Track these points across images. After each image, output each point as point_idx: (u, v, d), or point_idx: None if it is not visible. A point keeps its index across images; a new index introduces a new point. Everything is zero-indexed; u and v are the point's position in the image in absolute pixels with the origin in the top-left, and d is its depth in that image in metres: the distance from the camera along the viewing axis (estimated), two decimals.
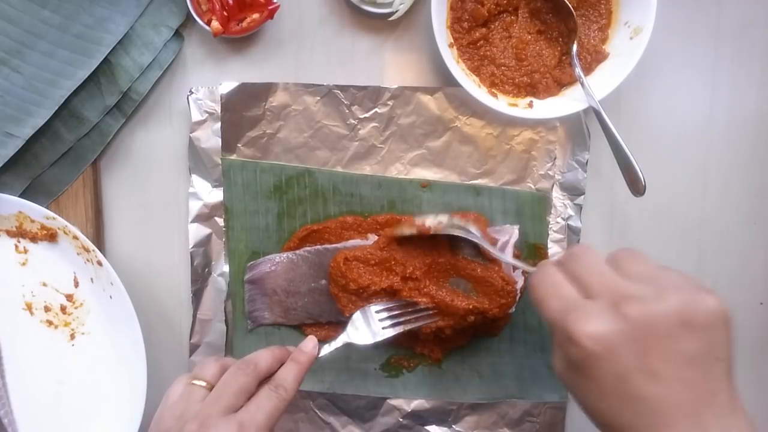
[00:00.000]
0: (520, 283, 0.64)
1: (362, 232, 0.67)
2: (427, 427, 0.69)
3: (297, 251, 0.66)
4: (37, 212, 0.64)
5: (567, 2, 0.63)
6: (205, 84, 0.66)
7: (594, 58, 0.65)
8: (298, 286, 0.66)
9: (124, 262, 0.69)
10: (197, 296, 0.67)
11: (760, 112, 0.69)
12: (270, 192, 0.67)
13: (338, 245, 0.65)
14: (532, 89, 0.66)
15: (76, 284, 0.67)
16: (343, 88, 0.66)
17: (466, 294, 0.62)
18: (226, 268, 0.67)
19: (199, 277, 0.67)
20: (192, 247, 0.67)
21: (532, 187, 0.68)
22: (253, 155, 0.67)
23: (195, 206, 0.67)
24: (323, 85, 0.66)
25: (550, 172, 0.68)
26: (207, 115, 0.66)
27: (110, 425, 0.66)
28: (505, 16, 0.66)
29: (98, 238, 0.68)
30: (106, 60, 0.64)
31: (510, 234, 0.64)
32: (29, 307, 0.67)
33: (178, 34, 0.67)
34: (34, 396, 0.67)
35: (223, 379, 0.50)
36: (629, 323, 0.40)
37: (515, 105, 0.65)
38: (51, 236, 0.65)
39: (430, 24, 0.62)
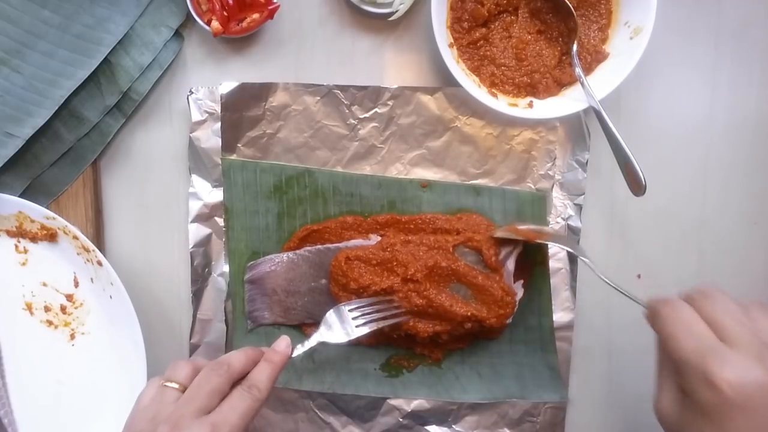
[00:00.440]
0: (520, 294, 0.64)
1: (362, 232, 0.67)
2: (427, 427, 0.69)
3: (297, 251, 0.66)
4: (37, 212, 0.64)
5: (567, 2, 0.63)
6: (205, 84, 0.66)
7: (594, 58, 0.65)
8: (298, 285, 0.66)
9: (124, 262, 0.69)
10: (197, 296, 0.67)
11: (760, 112, 0.69)
12: (270, 192, 0.67)
13: (339, 245, 0.65)
14: (532, 89, 0.66)
15: (76, 284, 0.67)
16: (343, 88, 0.66)
17: (465, 301, 0.62)
18: (226, 268, 0.67)
19: (199, 277, 0.67)
20: (192, 247, 0.67)
21: (532, 187, 0.68)
22: (253, 155, 0.67)
23: (195, 206, 0.67)
24: (323, 85, 0.66)
25: (550, 172, 0.68)
26: (207, 115, 0.66)
27: (110, 425, 0.66)
28: (505, 16, 0.66)
29: (98, 238, 0.68)
30: (106, 60, 0.64)
31: (514, 245, 0.64)
32: (29, 307, 0.67)
33: (178, 34, 0.67)
34: (34, 396, 0.67)
35: (196, 381, 0.50)
36: None
37: (515, 105, 0.65)
38: (51, 236, 0.65)
39: (430, 24, 0.62)
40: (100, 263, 0.63)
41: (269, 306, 0.67)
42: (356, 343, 0.65)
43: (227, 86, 0.65)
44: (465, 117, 0.67)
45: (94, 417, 0.67)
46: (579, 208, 0.68)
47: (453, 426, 0.69)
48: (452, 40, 0.64)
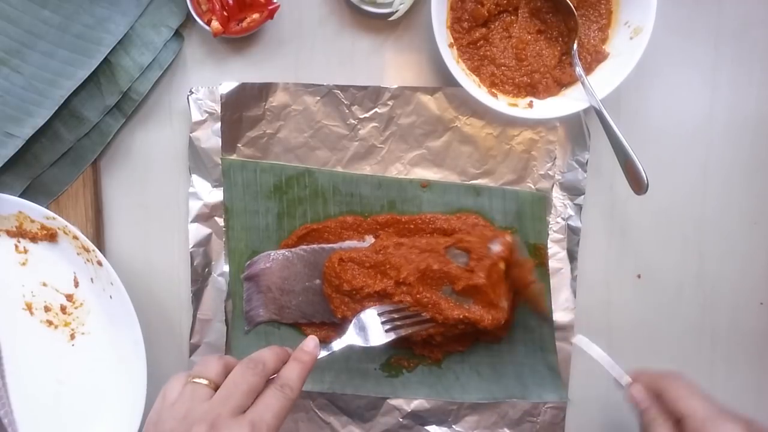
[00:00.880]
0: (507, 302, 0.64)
1: (362, 232, 0.67)
2: (427, 427, 0.69)
3: (293, 249, 0.66)
4: (37, 212, 0.64)
5: (568, 1, 0.63)
6: (205, 84, 0.66)
7: (594, 58, 0.65)
8: (292, 284, 0.66)
9: (124, 262, 0.69)
10: (197, 296, 0.67)
11: (760, 112, 0.69)
12: (270, 192, 0.67)
13: (334, 245, 0.66)
14: (532, 89, 0.66)
15: (76, 284, 0.67)
16: (343, 88, 0.66)
17: (458, 303, 0.62)
18: (226, 268, 0.67)
19: (199, 277, 0.67)
20: (192, 247, 0.67)
21: (532, 187, 0.68)
22: (253, 155, 0.67)
23: (195, 206, 0.67)
24: (323, 85, 0.66)
25: (550, 172, 0.68)
26: (207, 115, 0.66)
27: (110, 425, 0.66)
28: (505, 16, 0.66)
29: (98, 238, 0.68)
30: (106, 60, 0.64)
31: (504, 246, 0.64)
32: (29, 307, 0.67)
33: (178, 34, 0.67)
34: (34, 396, 0.67)
35: (231, 379, 0.48)
36: None
37: (515, 105, 0.65)
38: (51, 236, 0.65)
39: (430, 24, 0.62)
40: (100, 263, 0.63)
41: (264, 303, 0.67)
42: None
43: (227, 86, 0.65)
44: (465, 117, 0.67)
45: (94, 417, 0.67)
46: (579, 208, 0.68)
47: (453, 426, 0.69)
48: (452, 40, 0.64)
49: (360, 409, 0.68)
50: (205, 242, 0.67)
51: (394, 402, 0.68)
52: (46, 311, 0.67)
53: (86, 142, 0.67)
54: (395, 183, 0.67)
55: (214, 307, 0.68)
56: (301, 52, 0.68)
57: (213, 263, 0.68)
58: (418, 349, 0.67)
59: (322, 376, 0.67)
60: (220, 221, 0.67)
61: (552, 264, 0.67)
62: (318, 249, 0.66)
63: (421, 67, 0.68)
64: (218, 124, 0.66)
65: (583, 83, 0.63)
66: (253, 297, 0.67)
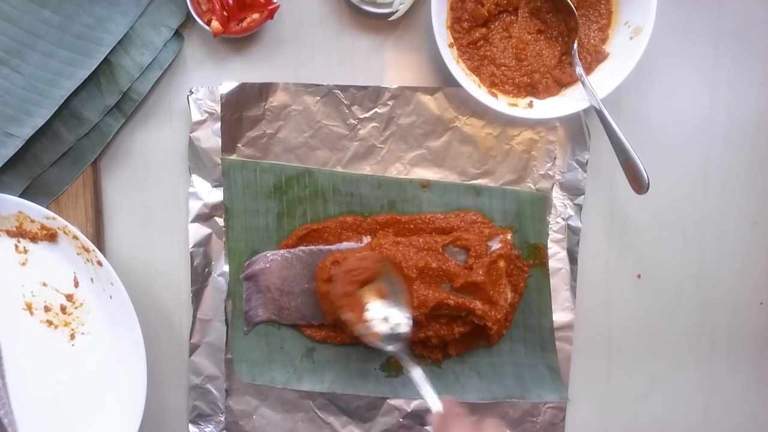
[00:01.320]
0: (510, 296, 0.64)
1: (362, 232, 0.67)
2: (427, 427, 0.69)
3: (292, 249, 0.66)
4: (37, 212, 0.64)
5: (569, 1, 0.63)
6: (205, 84, 0.66)
7: (594, 58, 0.65)
8: (291, 285, 0.66)
9: (124, 262, 0.69)
10: (197, 296, 0.67)
11: (760, 112, 0.69)
12: (270, 192, 0.67)
13: (332, 247, 0.66)
14: (532, 89, 0.66)
15: (76, 284, 0.67)
16: (343, 88, 0.66)
17: (456, 295, 0.62)
18: (226, 268, 0.67)
19: (199, 277, 0.67)
20: (192, 247, 0.67)
21: (532, 187, 0.68)
22: (253, 155, 0.67)
23: (195, 206, 0.67)
24: (323, 85, 0.66)
25: (550, 172, 0.68)
26: (207, 115, 0.66)
27: (110, 425, 0.66)
28: (505, 16, 0.66)
29: (98, 238, 0.68)
30: (106, 60, 0.64)
31: (503, 244, 0.64)
32: (29, 307, 0.67)
33: (178, 34, 0.67)
34: (34, 396, 0.67)
35: None
36: None
37: (515, 105, 0.65)
38: (51, 236, 0.65)
39: (430, 24, 0.62)
40: (100, 263, 0.63)
41: (263, 303, 0.67)
42: (357, 343, 0.65)
43: (227, 86, 0.65)
44: (465, 117, 0.67)
45: (94, 417, 0.67)
46: (579, 208, 0.68)
47: None
48: (452, 40, 0.64)
49: (360, 409, 0.68)
50: (205, 242, 0.67)
51: (394, 402, 0.68)
52: (46, 311, 0.67)
53: (86, 142, 0.67)
54: (395, 183, 0.67)
55: (214, 307, 0.68)
56: (301, 52, 0.68)
57: (213, 263, 0.68)
58: (418, 349, 0.67)
59: (322, 376, 0.67)
60: (220, 221, 0.67)
61: (552, 264, 0.67)
62: (316, 250, 0.66)
63: (421, 67, 0.68)
64: (218, 124, 0.66)
65: (583, 83, 0.63)
66: (253, 297, 0.67)
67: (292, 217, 0.68)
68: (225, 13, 0.64)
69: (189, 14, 0.65)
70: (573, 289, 0.68)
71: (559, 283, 0.68)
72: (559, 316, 0.68)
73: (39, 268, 0.67)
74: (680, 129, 0.70)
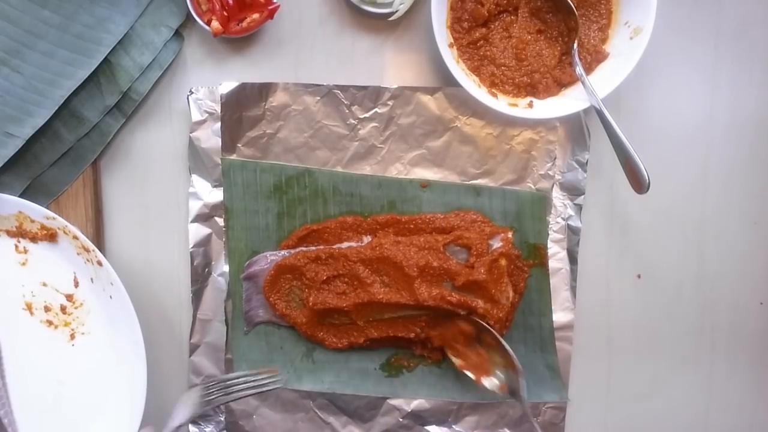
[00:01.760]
0: (511, 294, 0.64)
1: (362, 232, 0.67)
2: (427, 427, 0.69)
3: (292, 250, 0.66)
4: (37, 212, 0.64)
5: (569, 0, 0.63)
6: (205, 84, 0.66)
7: (594, 58, 0.65)
8: None
9: (124, 262, 0.69)
10: (197, 296, 0.67)
11: (760, 112, 0.69)
12: (270, 192, 0.67)
13: (333, 247, 0.66)
14: (532, 89, 0.66)
15: (76, 284, 0.67)
16: (343, 88, 0.66)
17: (457, 293, 0.62)
18: (226, 268, 0.67)
19: (199, 277, 0.67)
20: (192, 247, 0.67)
21: (532, 187, 0.68)
22: (253, 155, 0.67)
23: (195, 206, 0.67)
24: (323, 85, 0.66)
25: (550, 172, 0.68)
26: (207, 115, 0.66)
27: (110, 425, 0.66)
28: (505, 16, 0.66)
29: (98, 238, 0.68)
30: (106, 60, 0.64)
31: (504, 242, 0.64)
32: (29, 307, 0.67)
33: (178, 34, 0.67)
34: (34, 396, 0.67)
35: None
36: None
37: (515, 105, 0.65)
38: (51, 236, 0.65)
39: (430, 24, 0.62)
40: (100, 263, 0.63)
41: (264, 304, 0.67)
42: (356, 346, 0.66)
43: (227, 86, 0.65)
44: (465, 117, 0.67)
45: (94, 417, 0.67)
46: (579, 208, 0.68)
47: (453, 426, 0.69)
48: (452, 40, 0.64)
49: (360, 409, 0.68)
50: (205, 242, 0.67)
51: (394, 402, 0.68)
52: (46, 311, 0.67)
53: (86, 142, 0.67)
54: (395, 183, 0.67)
55: (214, 307, 0.68)
56: (301, 52, 0.68)
57: (213, 263, 0.68)
58: (418, 349, 0.67)
59: (323, 376, 0.67)
60: (220, 221, 0.67)
61: (552, 264, 0.67)
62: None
63: (421, 67, 0.68)
64: (218, 124, 0.66)
65: (583, 83, 0.63)
66: (253, 297, 0.67)
67: (292, 217, 0.68)
68: (225, 13, 0.64)
69: (189, 14, 0.65)
70: (573, 289, 0.68)
71: (559, 283, 0.68)
72: (559, 316, 0.68)
73: (39, 268, 0.67)
74: (680, 129, 0.70)
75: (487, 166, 0.68)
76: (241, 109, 0.65)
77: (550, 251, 0.67)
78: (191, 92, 0.66)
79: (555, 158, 0.67)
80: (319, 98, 0.66)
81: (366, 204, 0.67)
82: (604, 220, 0.70)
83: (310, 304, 0.63)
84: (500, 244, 0.63)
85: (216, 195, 0.67)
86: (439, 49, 0.62)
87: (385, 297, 0.62)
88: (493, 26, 0.66)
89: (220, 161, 0.66)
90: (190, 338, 0.68)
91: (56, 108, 0.64)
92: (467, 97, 0.64)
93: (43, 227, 0.65)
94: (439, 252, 0.62)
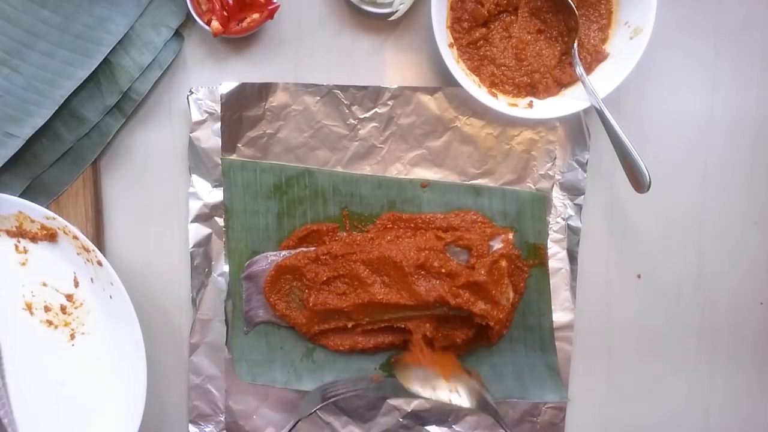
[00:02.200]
0: (511, 295, 0.64)
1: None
2: (427, 427, 0.69)
3: (293, 251, 0.66)
4: (37, 212, 0.64)
5: (569, 0, 0.63)
6: (205, 84, 0.66)
7: (594, 58, 0.65)
8: None
9: (124, 262, 0.69)
10: (197, 296, 0.67)
11: (760, 112, 0.69)
12: (270, 192, 0.67)
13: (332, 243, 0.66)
14: (532, 89, 0.66)
15: (76, 284, 0.67)
16: (343, 88, 0.66)
17: (458, 294, 0.62)
18: (226, 268, 0.67)
19: (199, 277, 0.67)
20: (192, 247, 0.67)
21: (532, 187, 0.68)
22: (253, 155, 0.67)
23: (195, 206, 0.67)
24: (323, 85, 0.66)
25: (550, 172, 0.68)
26: (207, 115, 0.66)
27: (110, 425, 0.66)
28: (505, 16, 0.66)
29: (98, 238, 0.68)
30: (106, 60, 0.64)
31: (504, 243, 0.64)
32: (29, 307, 0.67)
33: (178, 34, 0.67)
34: (34, 396, 0.67)
35: None
36: None
37: (515, 105, 0.65)
38: (51, 236, 0.65)
39: (430, 24, 0.62)
40: (100, 263, 0.63)
41: (264, 304, 0.67)
42: (356, 350, 0.66)
43: (227, 86, 0.65)
44: (465, 117, 0.67)
45: (94, 417, 0.67)
46: (579, 208, 0.68)
47: (453, 426, 0.69)
48: (452, 40, 0.64)
49: (360, 409, 0.68)
50: (205, 242, 0.67)
51: (394, 402, 0.68)
52: (46, 311, 0.67)
53: (86, 142, 0.67)
54: (395, 183, 0.67)
55: (214, 307, 0.68)
56: (301, 52, 0.68)
57: (213, 263, 0.68)
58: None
59: (322, 376, 0.67)
60: (220, 221, 0.67)
61: (552, 264, 0.67)
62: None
63: (421, 67, 0.68)
64: (218, 124, 0.66)
65: (583, 83, 0.63)
66: (253, 297, 0.67)
67: (292, 217, 0.68)
68: (225, 13, 0.64)
69: (189, 14, 0.65)
70: (573, 289, 0.68)
71: (559, 283, 0.68)
72: (559, 316, 0.68)
73: (39, 268, 0.67)
74: (680, 129, 0.70)
75: (487, 166, 0.68)
76: (241, 109, 0.65)
77: (550, 251, 0.67)
78: (191, 92, 0.66)
79: (555, 158, 0.67)
80: (319, 98, 0.66)
81: (366, 204, 0.67)
82: (604, 220, 0.70)
83: (311, 304, 0.63)
84: (501, 245, 0.63)
85: (216, 195, 0.67)
86: (439, 49, 0.62)
87: (386, 297, 0.62)
88: (493, 26, 0.66)
89: (220, 161, 0.66)
90: (190, 338, 0.68)
91: (56, 108, 0.63)
92: (467, 97, 0.64)
93: (43, 227, 0.65)
94: (440, 253, 0.62)
